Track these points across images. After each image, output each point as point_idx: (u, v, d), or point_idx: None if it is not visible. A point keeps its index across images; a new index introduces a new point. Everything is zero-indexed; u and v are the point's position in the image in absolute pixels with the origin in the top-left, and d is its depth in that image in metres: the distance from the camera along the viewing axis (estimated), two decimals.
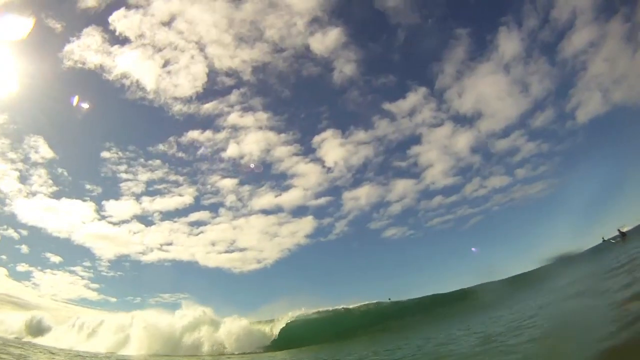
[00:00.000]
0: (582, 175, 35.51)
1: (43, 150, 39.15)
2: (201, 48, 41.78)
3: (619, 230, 21.22)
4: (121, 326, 18.71)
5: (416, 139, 41.51)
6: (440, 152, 39.54)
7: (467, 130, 38.86)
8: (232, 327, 16.70)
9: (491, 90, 38.50)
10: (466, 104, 38.77)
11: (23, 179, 39.33)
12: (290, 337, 16.66)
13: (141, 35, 39.03)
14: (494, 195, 38.71)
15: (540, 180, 37.39)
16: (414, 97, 39.93)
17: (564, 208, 34.56)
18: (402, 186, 39.89)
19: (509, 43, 37.02)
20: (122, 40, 38.75)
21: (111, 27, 38.00)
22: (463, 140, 38.60)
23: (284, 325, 17.52)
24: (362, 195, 40.11)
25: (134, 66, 40.26)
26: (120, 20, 38.18)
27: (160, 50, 39.86)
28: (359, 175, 41.16)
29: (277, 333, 17.26)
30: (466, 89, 39.06)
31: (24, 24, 26.73)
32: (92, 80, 40.52)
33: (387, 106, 41.22)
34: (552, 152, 37.36)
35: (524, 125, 37.76)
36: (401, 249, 40.75)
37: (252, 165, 39.87)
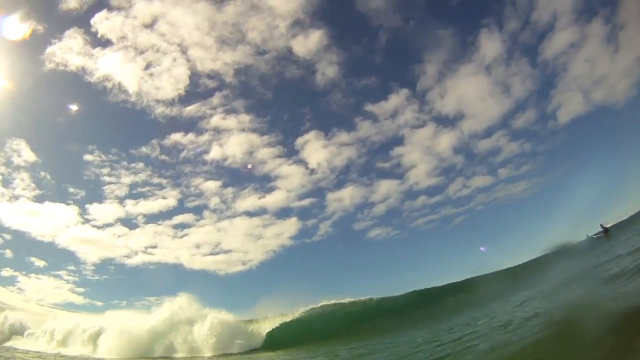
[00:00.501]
0: (564, 174, 36.47)
1: (25, 154, 36.92)
2: (183, 50, 38.92)
3: (601, 225, 21.64)
4: (94, 327, 18.06)
5: (399, 140, 41.52)
6: (423, 152, 39.70)
7: (450, 131, 39.15)
8: (216, 322, 15.94)
9: (473, 92, 38.78)
10: (448, 105, 38.96)
11: (5, 182, 36.82)
12: (282, 336, 16.20)
13: (123, 38, 36.75)
14: (477, 194, 39.09)
15: (523, 180, 37.90)
16: (396, 99, 39.76)
17: (547, 207, 35.38)
18: (385, 187, 39.90)
19: (490, 45, 37.39)
20: (104, 43, 36.52)
21: (93, 29, 35.58)
22: (445, 141, 38.85)
23: (276, 325, 17.03)
24: (346, 196, 39.93)
25: (116, 68, 37.60)
26: (102, 22, 35.76)
27: (142, 52, 37.61)
28: (342, 177, 40.83)
29: (269, 331, 16.68)
30: (448, 90, 39.19)
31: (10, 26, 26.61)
32: (74, 83, 37.73)
33: (369, 108, 40.79)
34: (534, 151, 38.06)
35: (506, 125, 38.25)
36: (386, 249, 40.87)
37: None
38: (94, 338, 17.15)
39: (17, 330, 21.74)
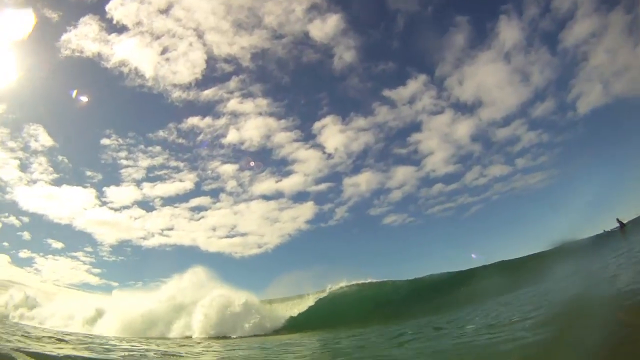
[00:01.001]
0: (582, 166, 35.88)
1: (43, 139, 37.31)
2: (199, 35, 39.18)
3: (617, 220, 21.68)
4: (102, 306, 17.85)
5: (416, 127, 41.60)
6: (440, 139, 39.63)
7: (468, 119, 38.99)
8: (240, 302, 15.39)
9: (492, 79, 38.54)
10: (467, 92, 38.68)
11: (23, 167, 37.42)
12: (306, 318, 15.79)
13: (139, 23, 37.08)
14: (494, 184, 38.98)
15: (540, 171, 37.71)
16: (414, 85, 39.59)
17: (564, 199, 34.93)
18: (402, 173, 40.02)
19: (509, 32, 36.93)
20: (120, 29, 37.17)
21: (108, 16, 36.04)
22: (463, 129, 38.75)
23: (301, 305, 16.63)
24: (363, 181, 40.20)
25: (132, 54, 39.25)
26: (117, 9, 36.31)
27: (158, 37, 38.02)
28: (359, 162, 41.21)
29: (293, 313, 16.27)
30: (467, 77, 38.97)
31: (24, 17, 26.81)
32: (91, 69, 38.39)
33: (387, 93, 40.93)
34: (553, 142, 37.76)
35: (525, 114, 37.92)
36: (401, 236, 40.83)
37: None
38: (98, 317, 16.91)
39: (26, 305, 21.29)
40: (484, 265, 21.41)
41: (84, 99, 35.10)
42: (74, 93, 34.39)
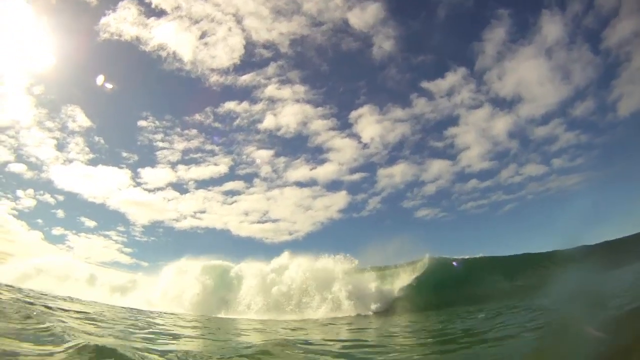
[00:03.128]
0: (620, 171, 34.47)
1: (80, 119, 37.89)
2: (238, 20, 38.47)
3: None
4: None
5: (454, 120, 41.36)
6: (477, 134, 39.74)
7: (506, 115, 39.07)
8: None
9: (532, 75, 38.37)
10: (506, 87, 38.47)
11: (60, 146, 37.93)
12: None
13: (177, 8, 36.90)
14: (529, 183, 39.60)
15: (577, 173, 38.50)
16: (452, 77, 39.00)
17: (599, 204, 35.33)
18: (437, 167, 39.90)
19: (551, 27, 36.79)
20: (158, 13, 36.97)
21: (147, 0, 36.13)
22: (501, 125, 38.79)
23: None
24: (397, 173, 39.81)
25: (171, 38, 38.68)
26: None
27: (197, 22, 37.78)
28: (394, 153, 40.72)
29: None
30: (506, 72, 38.52)
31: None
32: (129, 52, 39.11)
33: (425, 85, 40.21)
34: (591, 144, 37.86)
35: (564, 113, 38.23)
36: (433, 230, 40.92)
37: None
38: None
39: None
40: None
41: (110, 85, 35.98)
42: (102, 79, 35.05)
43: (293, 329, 9.42)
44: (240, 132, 41.56)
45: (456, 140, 39.35)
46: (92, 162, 39.31)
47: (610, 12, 34.59)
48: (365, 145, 39.68)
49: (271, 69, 40.07)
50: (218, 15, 37.93)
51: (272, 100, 40.37)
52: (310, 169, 39.77)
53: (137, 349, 4.40)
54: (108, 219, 42.69)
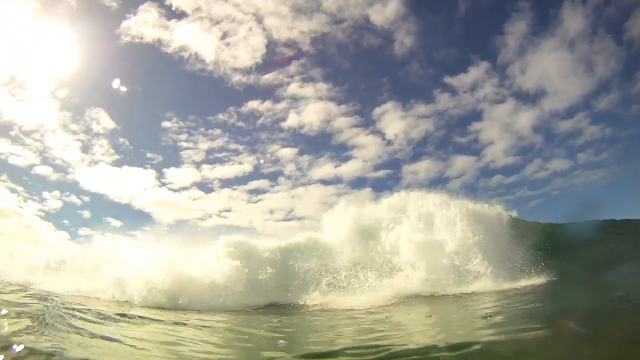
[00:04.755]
0: None
1: (104, 122, 38.38)
2: (259, 20, 38.73)
3: None
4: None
5: (477, 115, 41.29)
6: (501, 129, 39.37)
7: (530, 109, 38.38)
8: None
9: (555, 68, 37.34)
10: (529, 80, 37.66)
11: (85, 148, 38.15)
12: None
13: (198, 9, 37.25)
14: (554, 178, 38.59)
15: (602, 167, 37.07)
16: (475, 72, 38.82)
17: (624, 200, 34.15)
18: (461, 163, 39.89)
19: (573, 19, 35.67)
20: (179, 15, 37.14)
21: (167, 2, 36.43)
22: (525, 119, 38.10)
23: None
24: (422, 169, 40.32)
25: (192, 39, 38.63)
26: None
27: (217, 22, 38.08)
28: (418, 149, 41.47)
29: None
30: (529, 65, 37.74)
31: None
32: (151, 54, 39.86)
33: (448, 80, 40.27)
34: (616, 137, 36.89)
35: (588, 106, 37.07)
36: None
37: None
38: None
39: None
40: None
41: (124, 88, 36.53)
42: (117, 82, 35.70)
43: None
44: (263, 131, 42.04)
45: (480, 136, 39.01)
46: (117, 163, 39.47)
47: (633, 2, 32.99)
48: (389, 142, 40.77)
49: (293, 67, 40.52)
50: (238, 16, 38.65)
51: (294, 99, 40.52)
52: (335, 167, 40.59)
53: None
54: (134, 219, 41.57)
